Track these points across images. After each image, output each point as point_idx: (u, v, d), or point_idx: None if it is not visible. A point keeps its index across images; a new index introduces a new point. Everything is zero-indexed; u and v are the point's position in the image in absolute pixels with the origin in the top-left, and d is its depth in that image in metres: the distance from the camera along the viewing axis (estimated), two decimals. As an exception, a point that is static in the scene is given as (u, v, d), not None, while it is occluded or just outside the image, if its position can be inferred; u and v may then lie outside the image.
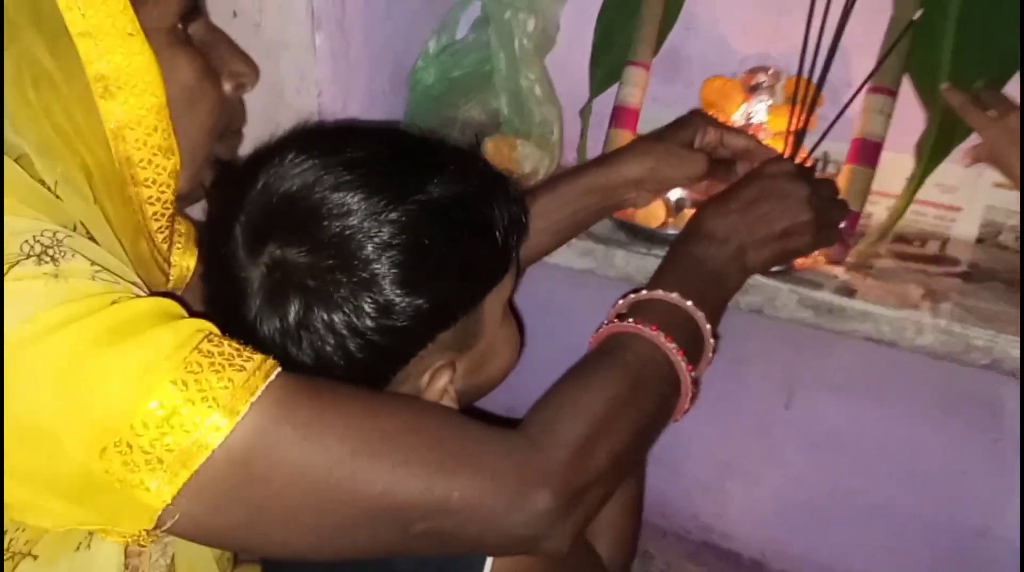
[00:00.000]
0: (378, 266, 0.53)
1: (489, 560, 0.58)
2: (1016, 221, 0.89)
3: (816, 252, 0.82)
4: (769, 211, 0.67)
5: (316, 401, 0.49)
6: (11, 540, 0.50)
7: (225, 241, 0.56)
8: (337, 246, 0.53)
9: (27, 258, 0.46)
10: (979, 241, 0.90)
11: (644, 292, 0.63)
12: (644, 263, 0.84)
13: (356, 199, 0.54)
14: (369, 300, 0.53)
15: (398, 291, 0.54)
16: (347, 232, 0.53)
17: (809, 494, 1.12)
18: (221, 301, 0.58)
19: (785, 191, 0.68)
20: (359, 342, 0.54)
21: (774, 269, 0.78)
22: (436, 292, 0.55)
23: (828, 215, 0.70)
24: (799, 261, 0.81)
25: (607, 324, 0.63)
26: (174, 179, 0.60)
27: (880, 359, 0.99)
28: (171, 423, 0.44)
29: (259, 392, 0.47)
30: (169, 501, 0.45)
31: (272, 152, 0.57)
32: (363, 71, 0.99)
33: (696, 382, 0.62)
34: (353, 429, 0.49)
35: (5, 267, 0.45)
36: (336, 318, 0.53)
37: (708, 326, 0.61)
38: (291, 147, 0.57)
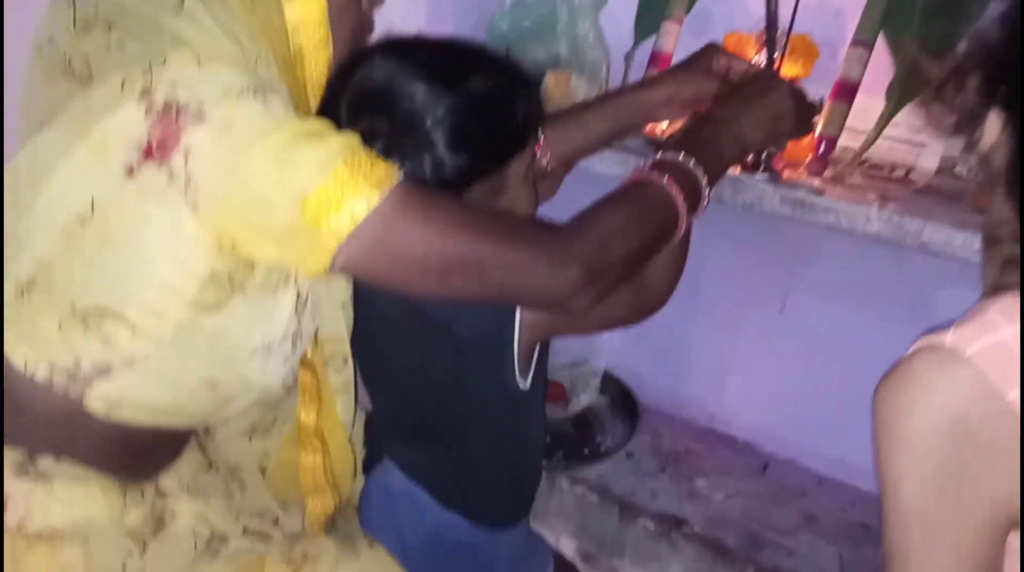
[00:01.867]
0: (434, 134, 0.79)
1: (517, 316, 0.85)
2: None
3: (801, 167, 1.06)
4: (762, 101, 0.91)
5: (429, 194, 0.75)
6: (234, 274, 0.76)
7: (335, 113, 0.83)
8: (406, 120, 0.80)
9: (249, 93, 0.72)
10: (938, 171, 1.12)
11: (665, 154, 0.87)
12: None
13: (419, 88, 0.80)
14: (428, 157, 0.80)
15: (447, 152, 0.80)
16: (413, 110, 0.80)
17: (798, 387, 1.35)
18: None
19: (773, 86, 0.93)
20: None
21: (761, 171, 1.02)
22: (473, 154, 0.82)
23: (805, 109, 0.95)
24: (786, 173, 1.05)
25: (635, 172, 0.87)
26: (327, 68, 0.86)
27: (864, 265, 1.22)
28: (343, 191, 0.70)
29: (395, 182, 0.72)
30: (342, 241, 0.71)
31: (366, 53, 0.84)
32: (451, 19, 1.24)
33: (689, 218, 0.86)
34: (452, 212, 0.75)
35: (235, 98, 0.71)
36: (406, 167, 0.78)
37: (705, 180, 0.86)
38: (379, 50, 0.84)
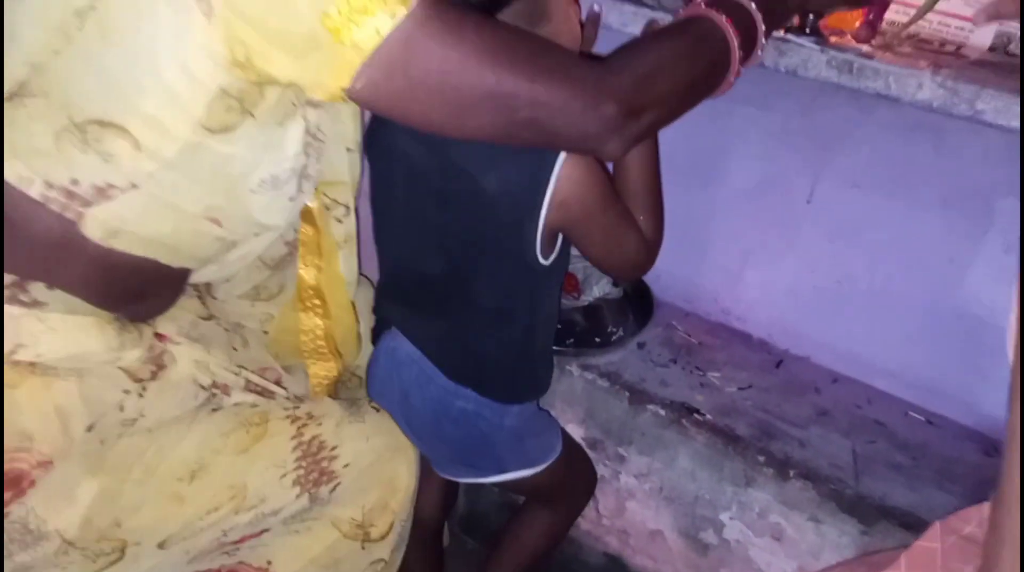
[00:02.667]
0: None
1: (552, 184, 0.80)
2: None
3: (847, 34, 0.99)
4: None
5: (461, 13, 0.69)
6: (244, 96, 0.70)
7: None
8: None
9: None
10: (991, 49, 1.05)
11: None
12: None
13: None
14: None
15: None
16: None
17: (819, 282, 1.31)
18: None
19: None
20: None
21: (808, 33, 0.95)
22: None
23: None
24: (834, 38, 0.98)
25: (690, 7, 0.81)
26: None
27: (894, 154, 1.17)
28: (369, 2, 0.64)
29: None
30: (364, 59, 0.65)
31: None
32: None
33: (743, 64, 0.81)
34: (485, 35, 0.69)
35: None
36: None
37: (763, 27, 0.80)
38: None
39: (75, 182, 0.72)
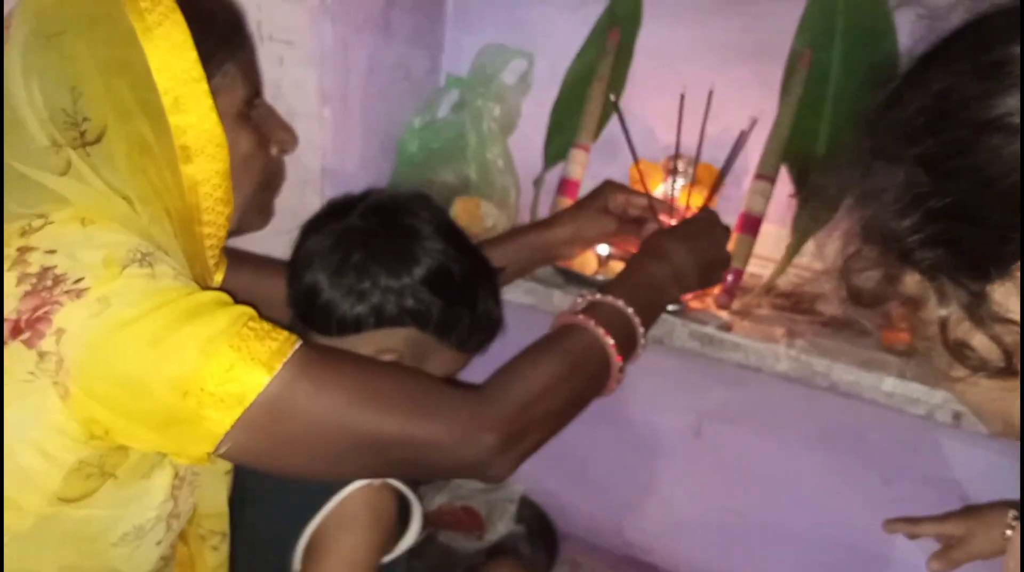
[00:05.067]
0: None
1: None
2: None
3: (708, 299, 1.04)
4: (704, 247, 0.91)
5: (326, 364, 0.69)
6: (104, 461, 0.69)
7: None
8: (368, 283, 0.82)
9: (134, 262, 0.67)
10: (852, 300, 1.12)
11: (599, 295, 0.84)
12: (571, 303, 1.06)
13: (374, 268, 0.81)
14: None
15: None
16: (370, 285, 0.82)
17: (714, 513, 1.33)
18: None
19: (716, 234, 0.94)
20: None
21: (672, 308, 1.00)
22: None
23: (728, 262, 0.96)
24: (693, 304, 1.03)
25: (566, 314, 0.83)
26: (228, 221, 0.81)
27: (777, 398, 1.21)
28: (229, 375, 0.64)
29: (288, 356, 0.67)
30: (227, 428, 0.64)
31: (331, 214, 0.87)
32: (359, 139, 1.21)
33: (623, 369, 0.82)
34: (352, 385, 0.69)
35: (118, 267, 0.66)
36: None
37: (641, 329, 0.82)
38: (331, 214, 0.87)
39: None
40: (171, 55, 0.71)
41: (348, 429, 0.69)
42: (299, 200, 1.10)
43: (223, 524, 0.86)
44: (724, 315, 1.02)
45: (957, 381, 0.53)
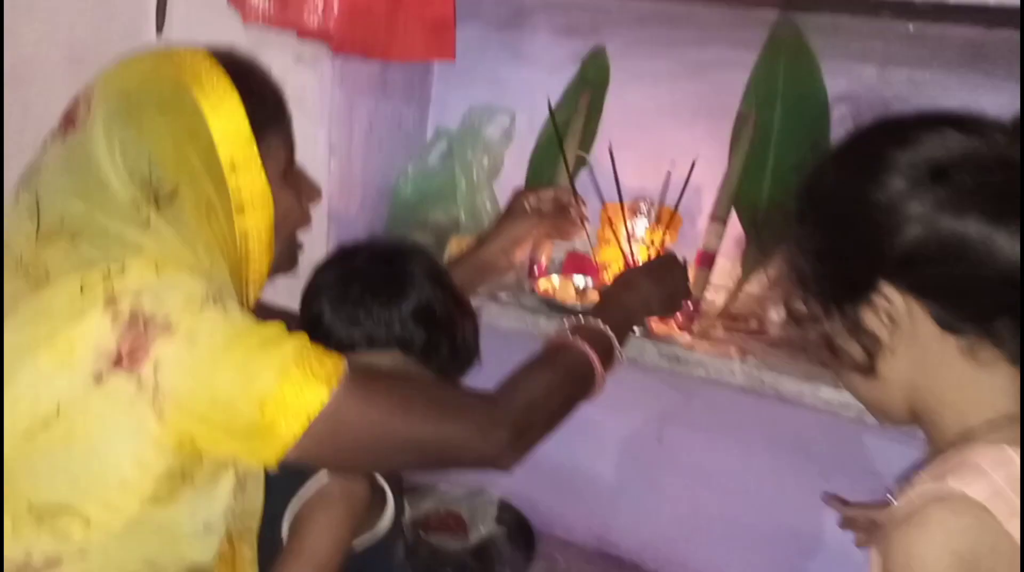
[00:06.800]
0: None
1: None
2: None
3: (672, 322, 1.23)
4: (667, 280, 1.12)
5: (369, 380, 0.85)
6: (185, 468, 0.82)
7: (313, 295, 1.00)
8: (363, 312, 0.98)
9: (208, 301, 0.81)
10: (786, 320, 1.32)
11: (584, 319, 1.02)
12: (560, 325, 1.23)
13: (368, 300, 0.98)
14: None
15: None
16: (363, 313, 0.98)
17: (676, 510, 1.50)
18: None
19: (675, 268, 1.14)
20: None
21: (639, 331, 1.18)
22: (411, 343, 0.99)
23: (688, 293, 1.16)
24: (660, 328, 1.21)
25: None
26: (269, 267, 0.95)
27: (729, 406, 1.39)
28: (298, 392, 0.79)
29: (342, 373, 0.82)
30: (297, 437, 0.79)
31: (340, 257, 1.04)
32: (360, 185, 1.37)
33: (605, 377, 1.00)
34: (391, 397, 0.85)
35: (198, 306, 0.80)
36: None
37: (618, 345, 1.01)
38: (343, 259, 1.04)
39: (28, 556, 0.80)
40: (229, 127, 0.87)
41: (391, 433, 0.84)
42: (307, 241, 1.24)
43: (258, 521, 1.00)
44: (686, 337, 1.21)
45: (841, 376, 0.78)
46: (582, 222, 1.27)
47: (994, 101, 0.77)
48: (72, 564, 0.82)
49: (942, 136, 0.68)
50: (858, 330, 0.72)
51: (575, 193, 1.27)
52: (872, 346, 0.72)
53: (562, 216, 1.26)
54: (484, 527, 1.59)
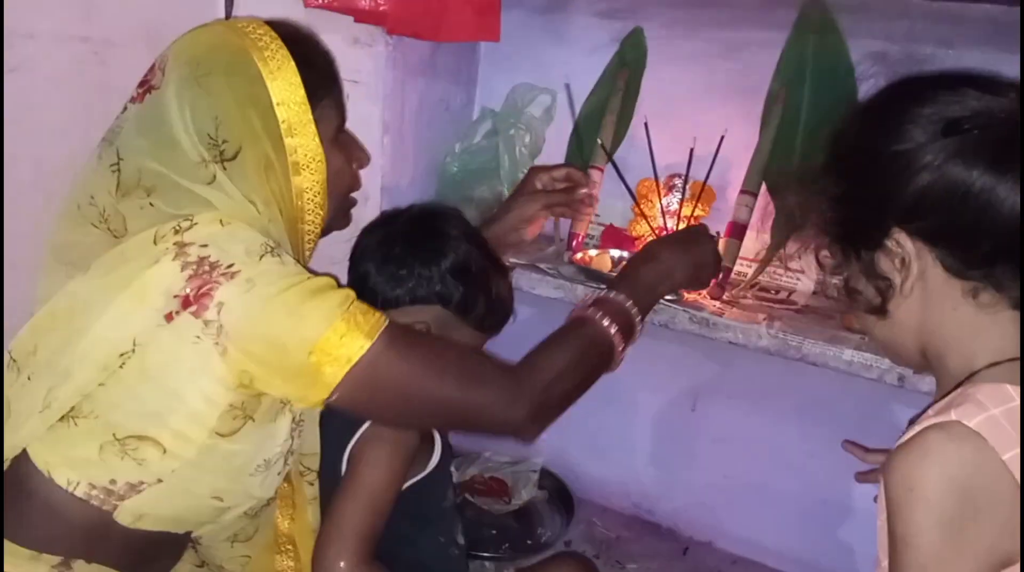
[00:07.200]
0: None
1: None
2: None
3: (703, 292, 1.29)
4: (693, 252, 1.14)
5: (408, 339, 0.92)
6: (246, 405, 0.91)
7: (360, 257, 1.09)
8: (405, 270, 1.07)
9: (267, 252, 0.90)
10: (814, 293, 1.36)
11: (605, 292, 1.07)
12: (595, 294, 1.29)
13: (409, 260, 1.06)
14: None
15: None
16: (406, 272, 1.07)
17: (709, 477, 1.56)
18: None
19: (702, 241, 1.17)
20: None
21: (670, 298, 1.24)
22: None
23: (719, 263, 1.19)
24: (691, 296, 1.27)
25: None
26: (323, 222, 1.04)
27: (760, 375, 1.45)
28: (342, 341, 0.86)
29: (382, 328, 0.89)
30: (339, 381, 0.87)
31: (383, 222, 1.12)
32: (410, 162, 1.45)
33: (624, 352, 1.05)
34: (426, 357, 0.92)
35: (258, 256, 0.89)
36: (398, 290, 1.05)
37: (639, 318, 1.05)
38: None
39: (113, 482, 0.90)
40: (287, 92, 0.95)
41: (421, 391, 0.91)
42: (362, 212, 1.33)
43: (317, 462, 1.09)
44: (716, 304, 1.27)
45: (859, 318, 0.85)
46: (591, 200, 1.33)
47: (1016, 77, 0.81)
48: (151, 491, 0.91)
49: (959, 94, 0.73)
50: (873, 274, 0.78)
51: (595, 169, 1.32)
52: (885, 289, 0.78)
53: (572, 194, 1.30)
54: (526, 492, 1.66)
